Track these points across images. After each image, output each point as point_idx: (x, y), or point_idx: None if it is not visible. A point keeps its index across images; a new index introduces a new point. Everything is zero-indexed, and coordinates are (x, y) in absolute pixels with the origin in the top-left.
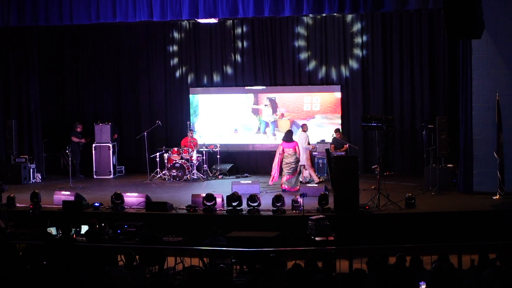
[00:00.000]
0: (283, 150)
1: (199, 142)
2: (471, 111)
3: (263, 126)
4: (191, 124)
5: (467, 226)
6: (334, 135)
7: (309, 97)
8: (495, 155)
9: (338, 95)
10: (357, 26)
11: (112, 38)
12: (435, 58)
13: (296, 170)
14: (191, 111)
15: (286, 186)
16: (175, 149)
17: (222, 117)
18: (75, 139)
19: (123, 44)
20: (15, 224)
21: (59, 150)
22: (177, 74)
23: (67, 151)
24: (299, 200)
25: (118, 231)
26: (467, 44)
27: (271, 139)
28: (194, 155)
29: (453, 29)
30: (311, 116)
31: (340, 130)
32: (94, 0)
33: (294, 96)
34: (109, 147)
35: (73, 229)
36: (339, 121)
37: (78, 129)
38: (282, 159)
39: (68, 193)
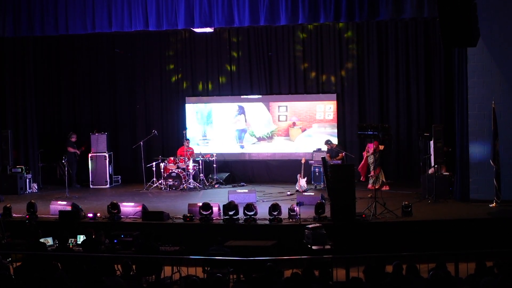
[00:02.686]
0: (367, 149)
1: (201, 151)
2: (467, 119)
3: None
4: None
5: (464, 234)
6: (327, 147)
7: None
8: (491, 163)
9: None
10: (352, 35)
11: (108, 48)
12: (431, 66)
13: (375, 169)
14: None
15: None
16: (171, 158)
17: (219, 125)
18: (71, 149)
19: (118, 54)
20: (11, 235)
21: (55, 160)
22: (173, 83)
23: (63, 161)
24: (295, 208)
25: (115, 241)
26: (462, 52)
27: (265, 147)
28: (191, 164)
29: (448, 37)
30: (309, 126)
31: (331, 141)
32: (89, 10)
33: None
34: (105, 156)
35: (70, 239)
36: (335, 130)
37: (73, 139)
38: (367, 157)
39: (64, 203)
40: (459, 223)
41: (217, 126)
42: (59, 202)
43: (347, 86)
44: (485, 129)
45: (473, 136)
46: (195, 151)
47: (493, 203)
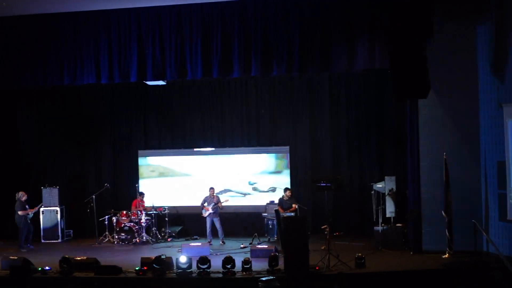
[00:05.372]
0: None
1: (153, 204)
2: (418, 170)
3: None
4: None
5: (417, 285)
6: (284, 195)
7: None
8: (443, 214)
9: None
10: (304, 86)
11: (58, 101)
12: (383, 117)
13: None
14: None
15: None
16: (124, 212)
17: (173, 178)
18: (22, 213)
19: (70, 107)
20: None
21: (5, 216)
22: (125, 136)
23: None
24: (249, 261)
25: None
26: (414, 103)
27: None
28: (143, 217)
29: (400, 89)
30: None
31: (288, 188)
32: (41, 63)
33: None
34: (57, 211)
35: None
36: (289, 181)
37: (23, 198)
38: None
39: (15, 257)
40: (412, 275)
41: (172, 178)
42: (10, 257)
43: (299, 137)
44: (437, 180)
45: (425, 187)
46: (148, 204)
47: (446, 254)
